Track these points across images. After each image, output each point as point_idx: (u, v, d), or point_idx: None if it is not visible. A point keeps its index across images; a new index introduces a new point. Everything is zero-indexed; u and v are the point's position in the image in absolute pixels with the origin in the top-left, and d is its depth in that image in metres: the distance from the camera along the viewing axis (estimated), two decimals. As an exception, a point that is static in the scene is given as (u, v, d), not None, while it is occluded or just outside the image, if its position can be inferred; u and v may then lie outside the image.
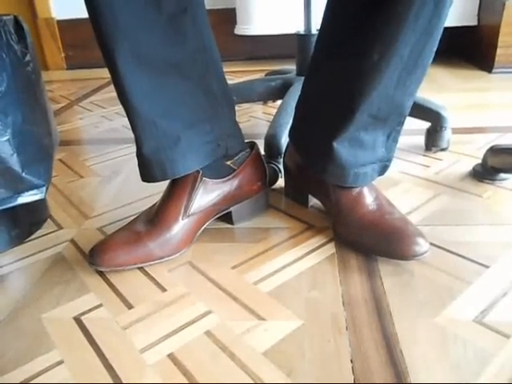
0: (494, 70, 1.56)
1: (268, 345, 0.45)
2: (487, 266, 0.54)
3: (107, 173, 0.90)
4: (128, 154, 0.99)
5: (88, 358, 0.45)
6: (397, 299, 0.50)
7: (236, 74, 1.75)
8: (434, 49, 0.52)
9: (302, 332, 0.46)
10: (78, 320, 0.50)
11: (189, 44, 0.54)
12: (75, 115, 1.34)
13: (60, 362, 0.45)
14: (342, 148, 0.56)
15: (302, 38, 0.95)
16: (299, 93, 0.66)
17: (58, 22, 2.09)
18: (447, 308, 0.48)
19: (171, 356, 0.44)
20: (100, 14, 0.49)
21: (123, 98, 0.52)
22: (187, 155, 0.56)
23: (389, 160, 0.61)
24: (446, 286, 0.52)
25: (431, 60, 0.53)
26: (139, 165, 0.58)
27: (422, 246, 0.54)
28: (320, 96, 0.59)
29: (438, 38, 0.51)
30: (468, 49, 1.79)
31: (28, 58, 0.62)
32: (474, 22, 1.69)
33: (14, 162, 0.60)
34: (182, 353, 0.45)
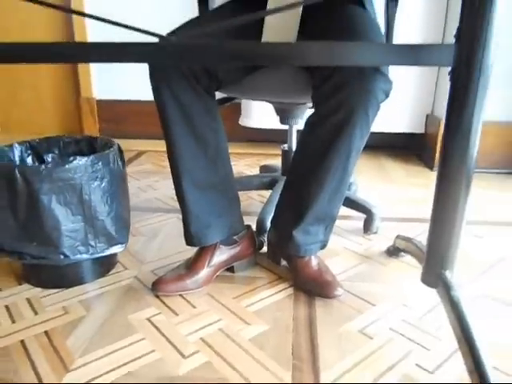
0: (434, 169, 2.07)
1: (251, 336, 0.88)
2: (374, 304, 0.98)
3: (150, 234, 1.34)
4: (162, 221, 1.43)
5: (158, 337, 0.87)
6: (321, 318, 0.93)
7: (239, 156, 2.23)
8: (347, 183, 0.98)
9: (269, 331, 0.89)
10: (148, 320, 0.93)
11: (220, 173, 1.00)
12: (117, 184, 1.80)
13: (143, 339, 0.87)
14: (297, 235, 1.01)
15: (285, 152, 1.43)
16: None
17: (97, 101, 2.60)
18: (346, 324, 0.91)
19: (202, 339, 0.87)
20: (173, 158, 0.95)
21: (182, 202, 0.98)
22: (214, 233, 1.01)
23: (326, 241, 1.05)
24: (346, 313, 0.95)
25: (346, 188, 0.99)
26: (186, 237, 1.02)
27: (339, 291, 0.98)
28: (286, 203, 1.05)
29: (349, 179, 0.97)
30: (418, 150, 2.31)
31: (125, 168, 1.08)
32: (422, 131, 2.22)
33: (112, 229, 1.04)
34: (207, 337, 0.87)
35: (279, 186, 1.36)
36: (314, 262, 1.04)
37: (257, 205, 1.58)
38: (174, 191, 1.00)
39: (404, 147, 2.42)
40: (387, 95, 0.88)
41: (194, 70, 0.91)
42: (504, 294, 1.04)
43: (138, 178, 1.88)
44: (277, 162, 1.78)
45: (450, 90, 0.80)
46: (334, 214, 1.01)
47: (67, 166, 0.93)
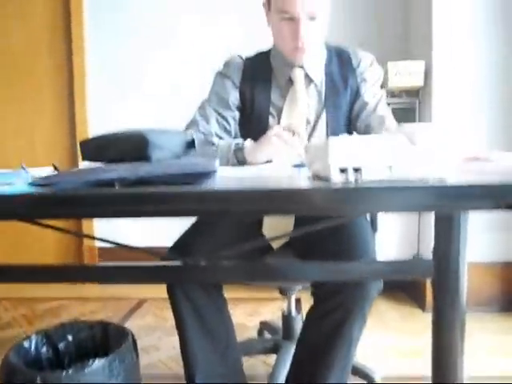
0: (426, 309, 2.14)
1: None
2: None
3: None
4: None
5: None
6: None
7: (235, 302, 2.26)
8: (351, 364, 1.03)
9: None
10: None
11: (229, 363, 1.07)
12: (119, 345, 1.82)
13: None
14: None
15: (285, 317, 1.51)
16: (285, 355, 1.16)
17: (99, 248, 2.71)
18: None
19: None
20: (186, 352, 1.02)
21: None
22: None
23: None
24: None
25: (350, 367, 1.05)
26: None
27: None
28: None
29: (351, 361, 1.03)
30: (408, 289, 2.39)
31: (138, 359, 1.14)
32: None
33: (124, 423, 1.06)
34: None
35: (283, 352, 1.40)
36: None
37: (261, 367, 1.61)
38: (177, 351, 1.10)
39: (395, 286, 2.50)
40: (379, 291, 0.99)
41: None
42: None
43: (139, 335, 1.90)
44: (276, 311, 1.84)
45: (433, 292, 0.92)
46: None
47: (86, 371, 0.99)
